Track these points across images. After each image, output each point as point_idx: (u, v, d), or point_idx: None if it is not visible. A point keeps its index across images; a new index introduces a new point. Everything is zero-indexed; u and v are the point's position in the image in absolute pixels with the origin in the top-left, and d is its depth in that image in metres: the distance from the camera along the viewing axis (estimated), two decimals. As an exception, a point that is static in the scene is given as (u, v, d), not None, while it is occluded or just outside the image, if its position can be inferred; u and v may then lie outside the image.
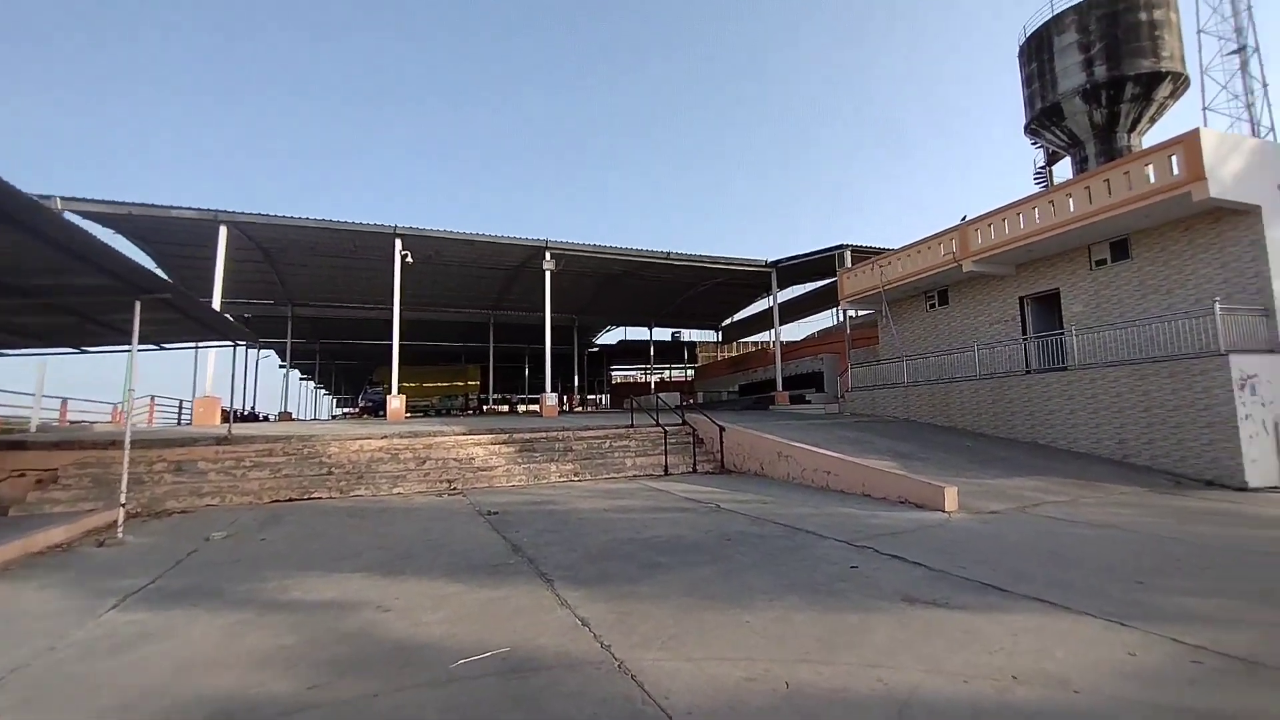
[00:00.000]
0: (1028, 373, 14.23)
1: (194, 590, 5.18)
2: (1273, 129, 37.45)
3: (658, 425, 14.13)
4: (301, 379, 60.03)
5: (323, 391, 73.24)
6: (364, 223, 17.43)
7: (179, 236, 18.14)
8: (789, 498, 9.41)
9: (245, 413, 30.84)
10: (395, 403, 17.27)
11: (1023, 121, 35.17)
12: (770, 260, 22.79)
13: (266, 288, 24.88)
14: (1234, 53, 38.09)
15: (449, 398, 36.52)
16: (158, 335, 10.96)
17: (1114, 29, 30.21)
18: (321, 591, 5.07)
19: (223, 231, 16.33)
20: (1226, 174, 10.44)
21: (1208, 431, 9.92)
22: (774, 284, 23.03)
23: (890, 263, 17.52)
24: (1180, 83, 30.28)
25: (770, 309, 32.20)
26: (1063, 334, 13.38)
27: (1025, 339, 14.57)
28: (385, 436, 12.45)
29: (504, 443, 12.92)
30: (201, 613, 4.55)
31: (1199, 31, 39.73)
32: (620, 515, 8.25)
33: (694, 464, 12.60)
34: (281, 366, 52.61)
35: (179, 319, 9.98)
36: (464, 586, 5.09)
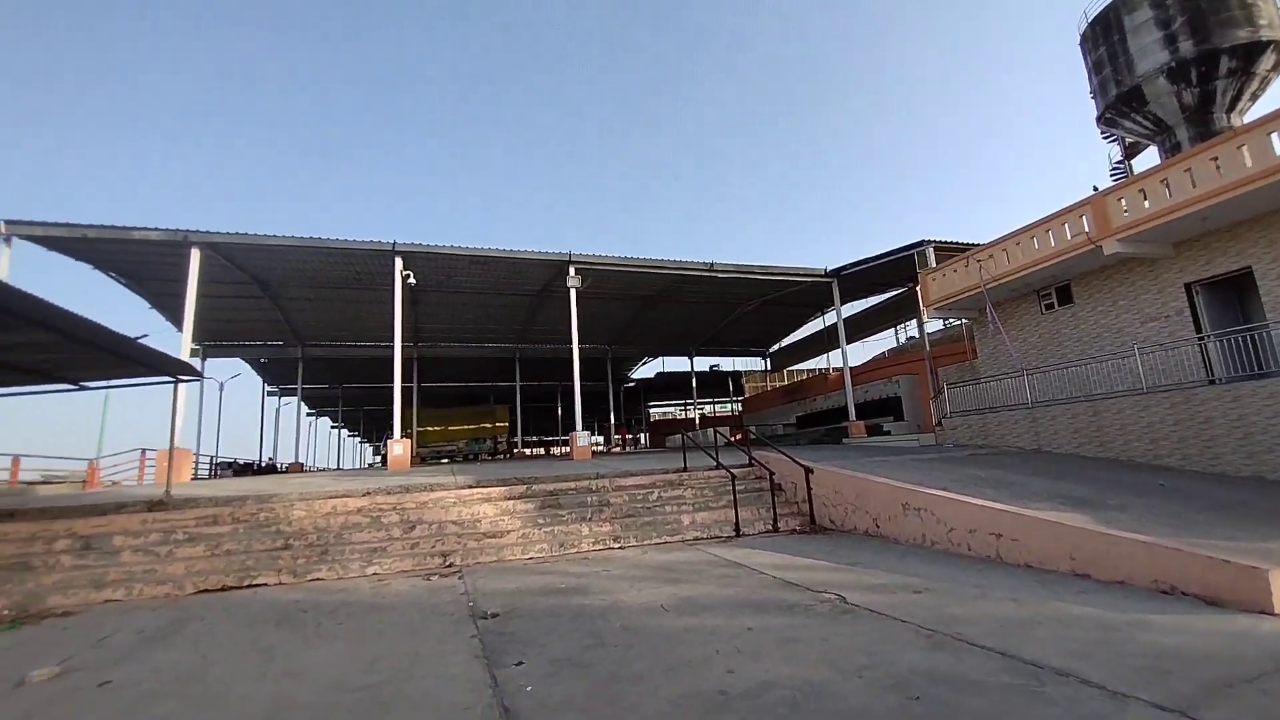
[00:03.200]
0: (1211, 382, 10.61)
1: None
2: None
3: (719, 468, 10.93)
4: (333, 427, 58.82)
5: (356, 439, 72.17)
6: (357, 240, 15.09)
7: (164, 271, 16.15)
8: (948, 579, 6.07)
9: (258, 464, 28.79)
10: (398, 449, 14.50)
11: (1093, 114, 31.64)
12: (830, 269, 19.65)
13: (272, 327, 22.92)
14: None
15: (476, 441, 33.89)
16: (66, 371, 8.47)
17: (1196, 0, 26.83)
18: None
19: (194, 255, 14.18)
20: None
21: None
22: (836, 296, 19.80)
23: (992, 255, 14.18)
24: (1286, 51, 26.48)
25: (824, 330, 28.94)
26: (1267, 326, 9.80)
27: (1203, 338, 10.97)
28: (368, 493, 9.59)
29: (521, 496, 9.90)
30: None
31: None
32: (691, 624, 5.07)
33: (774, 520, 9.31)
34: (310, 414, 51.55)
35: (90, 352, 7.49)
36: None
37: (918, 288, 22.45)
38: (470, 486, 10.05)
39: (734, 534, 9.02)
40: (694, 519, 9.46)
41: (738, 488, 9.67)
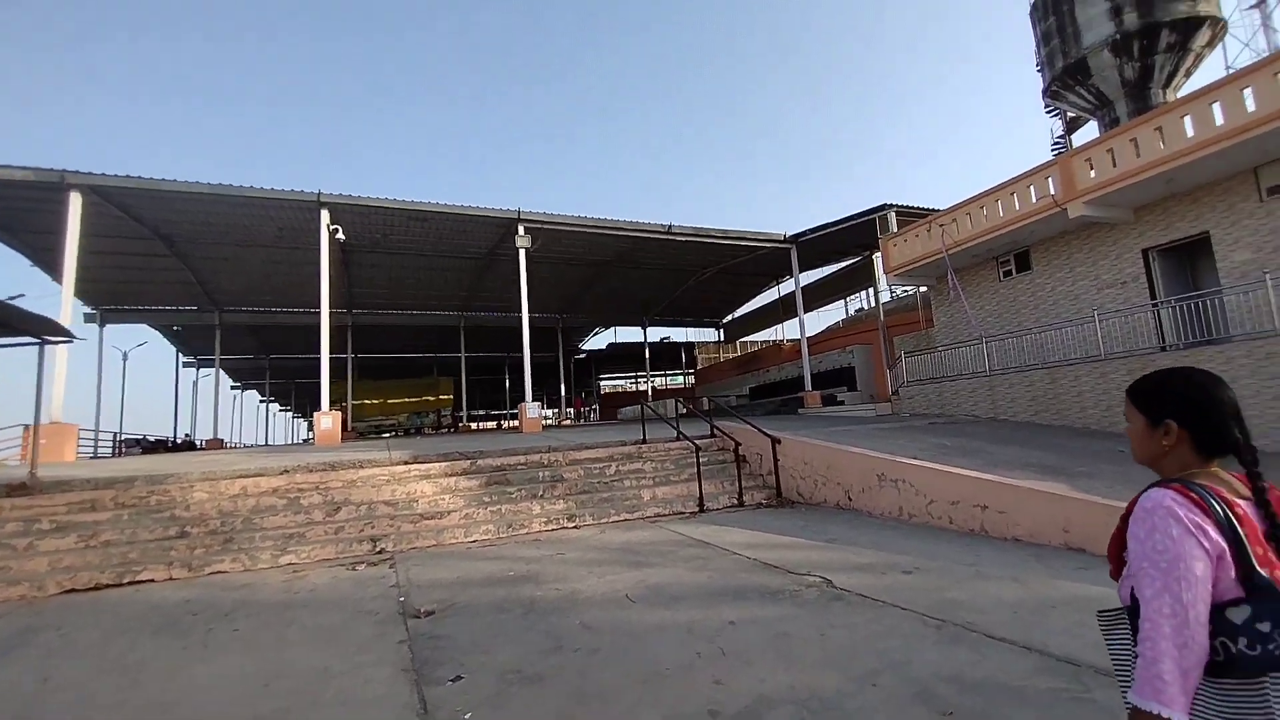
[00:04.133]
0: (1163, 348, 10.66)
1: None
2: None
3: (680, 439, 10.26)
4: (261, 401, 55.25)
5: (290, 414, 68.21)
6: (274, 189, 13.30)
7: (41, 220, 13.90)
8: (937, 556, 5.59)
9: (172, 441, 26.40)
10: (326, 421, 13.12)
11: (1033, 90, 32.19)
12: (789, 234, 19.12)
13: (184, 289, 20.60)
14: (1254, 6, 35.52)
15: (418, 415, 32.25)
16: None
17: (1142, -29, 27.32)
18: None
19: (75, 200, 12.10)
20: None
21: None
22: (794, 262, 19.32)
23: (955, 219, 13.90)
24: (1219, 29, 27.43)
25: (779, 300, 28.68)
26: (1221, 293, 9.82)
27: (1157, 304, 10.98)
28: (286, 471, 8.40)
29: (464, 473, 8.94)
30: None
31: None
32: (664, 618, 4.34)
33: (739, 494, 8.73)
34: (236, 387, 48.07)
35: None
36: None
37: (875, 256, 22.37)
38: (406, 463, 9.00)
39: (698, 509, 8.39)
40: (655, 494, 8.77)
41: (701, 460, 9.01)
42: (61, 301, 11.77)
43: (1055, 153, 36.12)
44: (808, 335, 23.63)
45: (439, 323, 27.92)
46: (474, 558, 6.65)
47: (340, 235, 13.77)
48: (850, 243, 20.79)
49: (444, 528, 7.56)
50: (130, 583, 6.19)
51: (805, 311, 28.05)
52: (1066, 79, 30.08)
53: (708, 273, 24.44)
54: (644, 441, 10.28)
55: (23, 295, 11.51)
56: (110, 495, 7.45)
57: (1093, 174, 11.03)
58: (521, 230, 15.58)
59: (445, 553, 6.94)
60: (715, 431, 10.58)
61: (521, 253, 15.73)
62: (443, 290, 23.83)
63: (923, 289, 17.98)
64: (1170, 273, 11.55)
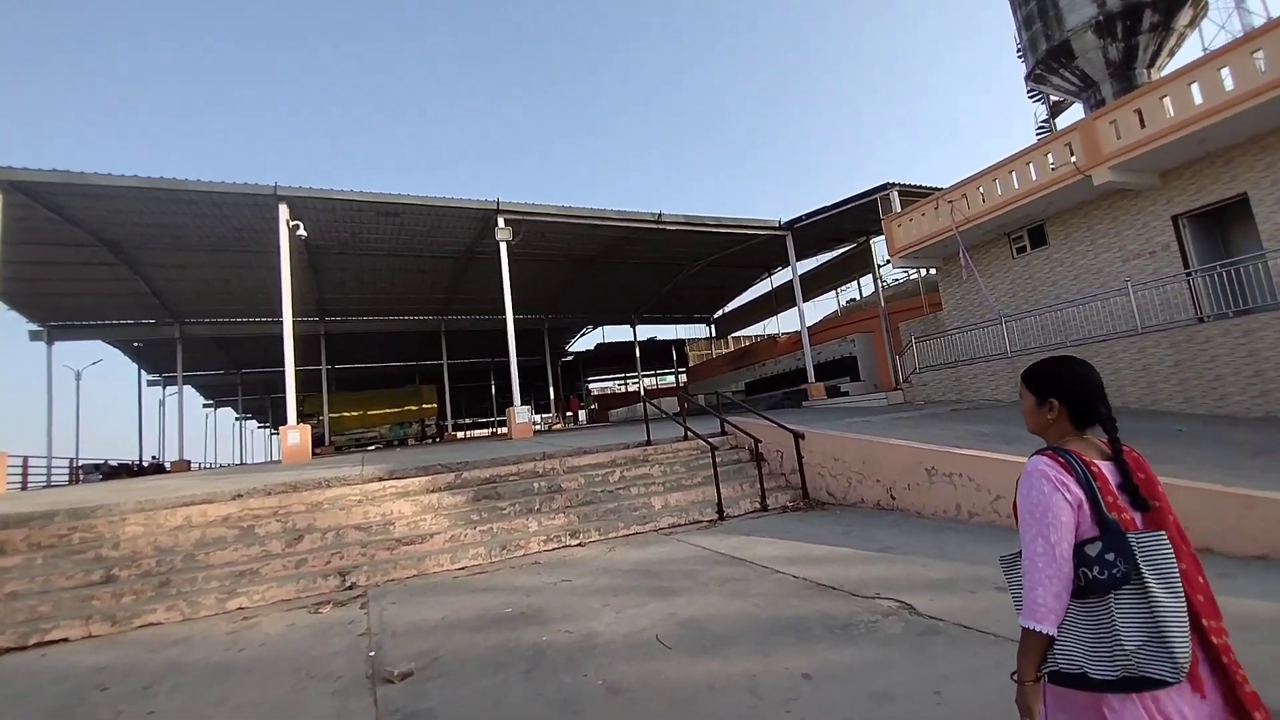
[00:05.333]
0: (1200, 320, 9.91)
1: None
2: None
3: (688, 439, 9.26)
4: (237, 419, 53.24)
5: (268, 430, 65.98)
6: (224, 183, 11.98)
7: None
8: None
9: (138, 465, 24.77)
10: (293, 437, 11.88)
11: (1011, 75, 31.82)
12: (785, 220, 18.23)
13: (138, 301, 19.11)
14: (1230, -12, 35.55)
15: (401, 426, 30.80)
16: None
17: (1124, -47, 27.03)
18: None
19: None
20: None
21: None
22: (790, 249, 18.40)
23: (965, 195, 13.09)
24: (1200, 8, 27.23)
25: (772, 292, 27.84)
26: (1265, 256, 9.08)
27: (1190, 273, 10.23)
28: (239, 495, 7.24)
29: (449, 488, 7.84)
30: None
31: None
32: (713, 671, 3.31)
33: (762, 497, 7.74)
34: (209, 405, 46.11)
35: None
36: None
37: (872, 241, 21.63)
38: (381, 479, 7.87)
39: (717, 517, 7.39)
40: (666, 502, 7.76)
41: (716, 460, 7.99)
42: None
43: (1039, 136, 35.88)
44: (808, 325, 22.77)
45: (419, 328, 26.63)
46: (463, 589, 5.58)
47: (302, 232, 12.52)
48: (847, 228, 20.00)
49: (426, 553, 6.47)
50: (37, 644, 5.02)
51: (805, 300, 27.22)
52: (1050, 62, 29.70)
53: (698, 266, 23.50)
54: (649, 443, 9.25)
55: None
56: (21, 535, 6.24)
57: (1118, 139, 10.25)
58: (501, 222, 14.46)
59: (428, 584, 5.85)
60: (726, 428, 9.59)
61: (503, 247, 14.60)
62: (420, 293, 22.58)
63: (929, 271, 17.19)
64: (1202, 239, 10.81)
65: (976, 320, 13.97)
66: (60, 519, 6.50)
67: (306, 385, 31.38)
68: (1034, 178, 11.71)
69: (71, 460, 21.47)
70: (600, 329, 34.23)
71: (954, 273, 14.86)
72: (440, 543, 6.69)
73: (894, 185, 15.37)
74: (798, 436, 8.05)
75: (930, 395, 13.92)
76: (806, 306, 20.58)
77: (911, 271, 21.14)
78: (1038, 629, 1.34)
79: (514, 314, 15.26)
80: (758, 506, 7.69)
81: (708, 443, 8.01)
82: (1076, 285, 12.22)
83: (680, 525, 7.26)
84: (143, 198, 12.30)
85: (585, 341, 37.55)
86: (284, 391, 12.95)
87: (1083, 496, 1.37)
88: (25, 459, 18.21)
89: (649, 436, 9.49)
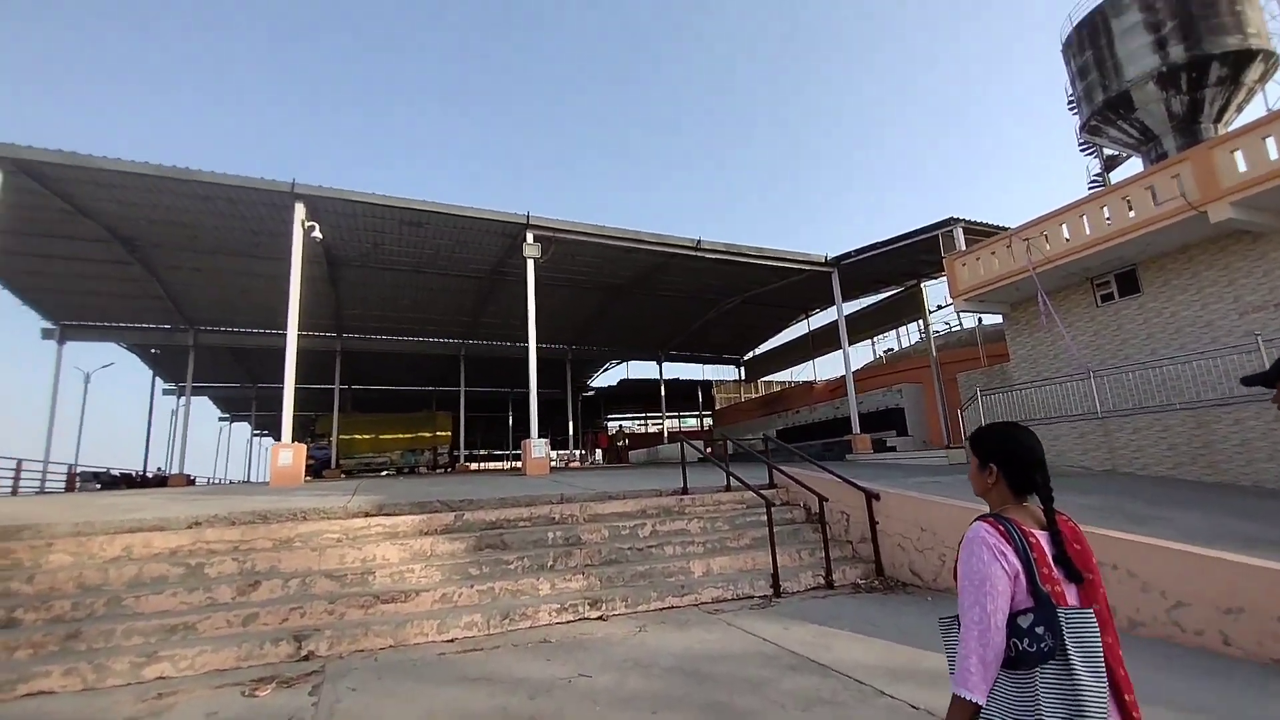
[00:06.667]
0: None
1: None
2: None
3: (732, 487, 7.85)
4: (253, 434, 52.87)
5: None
6: (239, 176, 11.20)
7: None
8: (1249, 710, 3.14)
9: (141, 475, 23.94)
10: (285, 456, 10.68)
11: (1061, 129, 30.77)
12: (830, 256, 17.04)
13: (155, 304, 18.54)
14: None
15: (413, 453, 29.66)
16: None
17: (1186, 5, 26.16)
18: None
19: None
20: None
21: None
22: (836, 287, 17.12)
23: (1043, 233, 11.77)
24: (1271, 63, 26.04)
25: (808, 335, 26.49)
26: None
27: (1333, 329, 8.68)
28: (196, 524, 6.03)
29: (445, 531, 6.52)
30: None
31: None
32: None
33: (827, 570, 6.25)
34: (223, 419, 45.70)
35: None
36: None
37: (923, 285, 20.28)
38: (368, 514, 6.60)
39: (772, 592, 5.92)
40: (709, 567, 6.32)
41: (760, 519, 6.54)
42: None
43: (1092, 189, 34.50)
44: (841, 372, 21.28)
45: (439, 351, 25.74)
46: (448, 675, 4.20)
47: (317, 234, 11.67)
48: (895, 270, 18.71)
49: (408, 616, 5.11)
50: (-122, 715, 3.76)
51: (838, 349, 25.79)
52: (1107, 113, 28.66)
53: (732, 302, 22.33)
54: (685, 491, 7.86)
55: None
56: (-82, 557, 5.07)
57: (1243, 169, 8.91)
58: (530, 238, 13.50)
59: (405, 661, 4.49)
60: (775, 480, 8.16)
61: (530, 265, 13.62)
62: (444, 314, 21.73)
63: (993, 318, 15.72)
64: (1339, 292, 9.30)
65: (1051, 374, 12.43)
66: (-27, 541, 5.33)
67: (320, 404, 30.64)
68: (1130, 215, 10.37)
69: (70, 466, 20.64)
70: (625, 364, 33.07)
71: (1024, 320, 13.41)
72: (428, 602, 5.34)
73: (959, 220, 14.10)
74: (871, 496, 6.60)
75: (999, 455, 12.28)
76: (854, 350, 19.25)
77: (963, 318, 19.70)
78: (968, 697, 1.34)
79: (537, 341, 14.16)
80: (821, 582, 6.20)
81: (761, 496, 6.59)
82: (1179, 340, 10.68)
83: (726, 600, 5.80)
84: (154, 189, 11.62)
85: (607, 377, 36.40)
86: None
87: (1019, 566, 1.37)
88: (19, 462, 17.39)
89: (685, 483, 8.10)
